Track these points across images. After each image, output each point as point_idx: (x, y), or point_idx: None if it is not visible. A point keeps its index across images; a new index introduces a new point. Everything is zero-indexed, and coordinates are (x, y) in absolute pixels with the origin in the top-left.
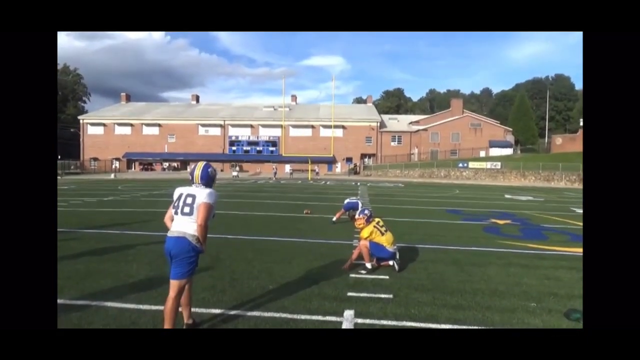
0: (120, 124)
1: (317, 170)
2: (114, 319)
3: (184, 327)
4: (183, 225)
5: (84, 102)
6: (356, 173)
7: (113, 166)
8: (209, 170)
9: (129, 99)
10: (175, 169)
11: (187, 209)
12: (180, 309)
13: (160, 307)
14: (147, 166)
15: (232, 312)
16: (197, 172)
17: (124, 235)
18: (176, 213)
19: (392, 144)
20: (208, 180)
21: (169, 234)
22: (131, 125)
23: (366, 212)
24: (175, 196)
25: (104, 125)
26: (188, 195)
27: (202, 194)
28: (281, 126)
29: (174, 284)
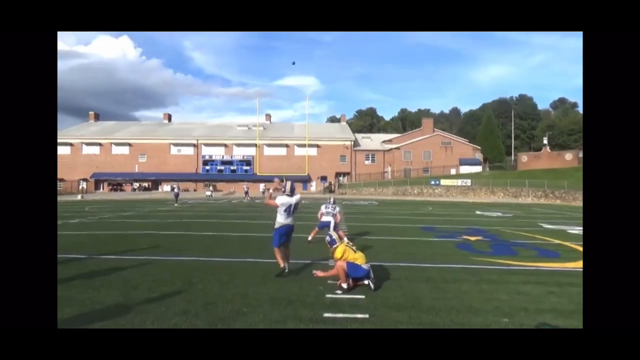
0: (88, 144)
1: None
2: None
3: None
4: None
5: None
6: (331, 191)
7: (80, 187)
8: (292, 182)
9: (97, 117)
10: (146, 189)
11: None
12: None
13: None
14: (117, 187)
15: None
16: (288, 186)
17: (91, 260)
18: (289, 214)
19: (366, 162)
20: (293, 189)
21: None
22: (100, 144)
23: (327, 238)
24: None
25: (70, 144)
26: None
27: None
28: (255, 145)
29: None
